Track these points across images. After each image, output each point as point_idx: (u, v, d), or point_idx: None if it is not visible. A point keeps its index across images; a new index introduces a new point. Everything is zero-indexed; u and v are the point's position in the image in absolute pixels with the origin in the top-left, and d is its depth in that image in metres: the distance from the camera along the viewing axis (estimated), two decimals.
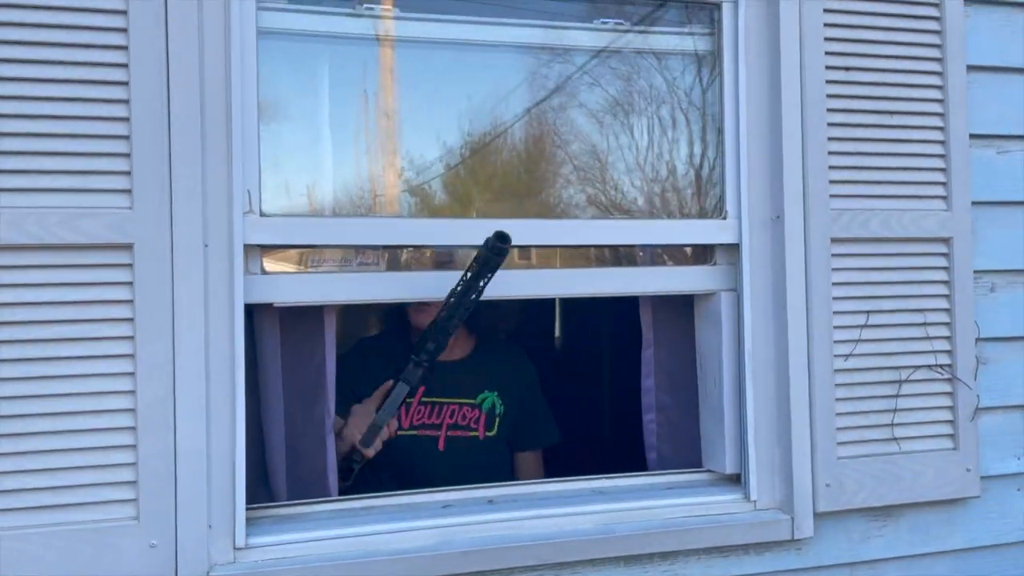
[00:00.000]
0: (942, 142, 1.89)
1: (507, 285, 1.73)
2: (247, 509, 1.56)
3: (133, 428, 1.43)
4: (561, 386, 2.81)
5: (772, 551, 1.79)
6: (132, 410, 1.43)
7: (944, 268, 1.89)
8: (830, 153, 1.81)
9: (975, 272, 1.93)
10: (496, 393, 2.06)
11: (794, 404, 1.77)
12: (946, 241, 1.88)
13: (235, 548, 1.50)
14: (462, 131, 1.88)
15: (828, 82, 1.80)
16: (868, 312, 1.84)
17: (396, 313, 2.11)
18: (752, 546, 1.78)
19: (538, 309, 3.40)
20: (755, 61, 1.79)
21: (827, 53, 1.78)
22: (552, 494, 1.76)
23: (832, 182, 1.81)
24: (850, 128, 1.83)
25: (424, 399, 1.98)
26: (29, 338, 1.39)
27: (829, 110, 1.81)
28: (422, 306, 1.92)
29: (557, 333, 3.84)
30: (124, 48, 1.43)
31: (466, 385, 2.05)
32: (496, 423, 2.06)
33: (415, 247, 1.73)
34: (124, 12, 1.43)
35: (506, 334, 2.42)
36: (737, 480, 1.82)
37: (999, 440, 1.96)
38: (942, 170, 1.89)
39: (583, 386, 3.44)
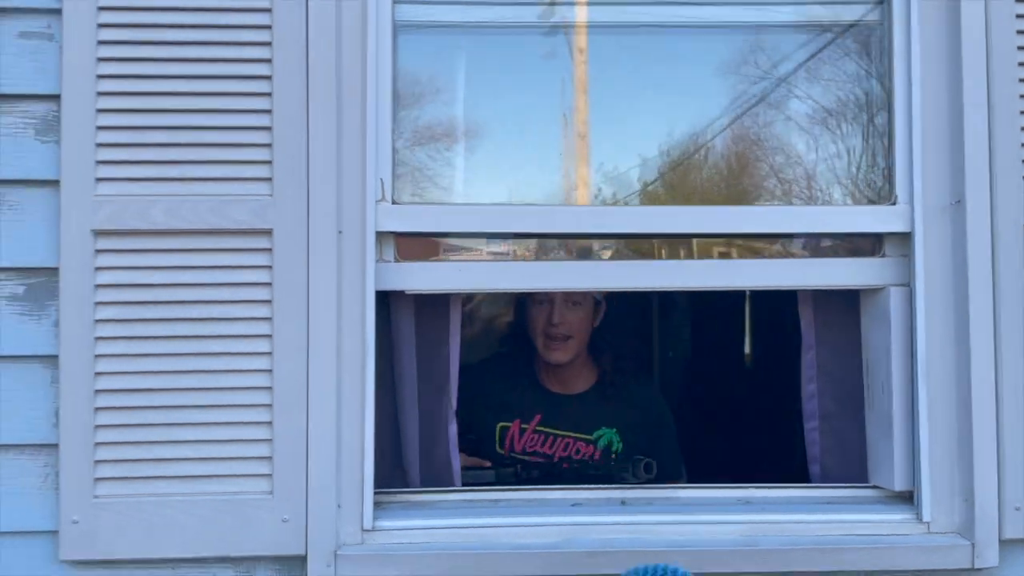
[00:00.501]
0: None
1: (658, 276, 1.64)
2: (376, 493, 1.56)
3: (269, 406, 1.47)
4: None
5: None
6: (269, 388, 1.47)
7: None
8: None
9: None
10: (615, 430, 1.94)
11: (976, 415, 1.53)
12: None
13: (363, 529, 1.50)
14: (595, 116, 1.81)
15: (1020, 48, 1.55)
16: None
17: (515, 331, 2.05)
18: (924, 573, 1.55)
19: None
20: (931, 18, 1.57)
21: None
22: (692, 500, 1.63)
23: None
24: None
25: (539, 428, 1.91)
26: (180, 317, 1.47)
27: (1022, 79, 1.55)
28: (544, 303, 1.86)
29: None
30: (268, 44, 1.49)
31: (584, 420, 1.95)
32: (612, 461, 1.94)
33: (549, 236, 1.67)
34: (269, 10, 1.48)
35: (637, 358, 2.28)
36: (908, 499, 1.60)
37: None
38: None
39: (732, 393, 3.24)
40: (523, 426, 1.83)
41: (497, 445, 1.94)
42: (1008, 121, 1.54)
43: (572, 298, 1.90)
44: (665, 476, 1.99)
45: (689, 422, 2.17)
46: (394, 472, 1.81)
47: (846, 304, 1.76)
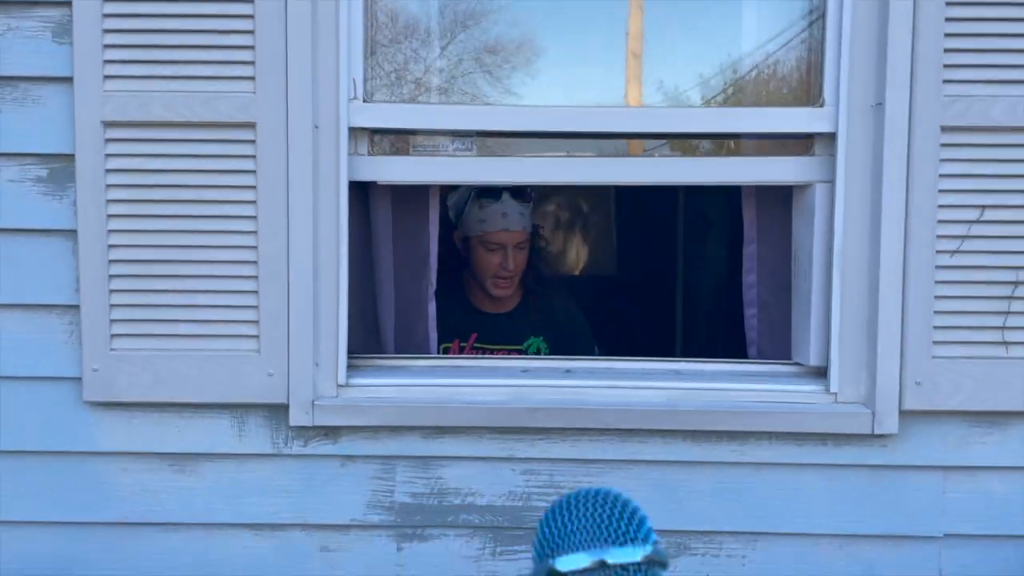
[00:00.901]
0: None
1: (607, 172, 1.79)
2: (353, 357, 1.79)
3: (255, 277, 1.69)
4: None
5: (853, 444, 1.74)
6: (255, 262, 1.69)
7: None
8: (947, 35, 1.65)
9: None
10: (541, 338, 2.16)
11: (883, 299, 1.68)
12: None
13: (337, 385, 1.73)
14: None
15: None
16: (983, 207, 1.68)
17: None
18: (831, 437, 1.74)
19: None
20: None
21: None
22: (629, 370, 1.82)
23: (947, 66, 1.66)
24: (975, 7, 1.65)
25: (476, 344, 2.13)
26: (178, 199, 1.68)
27: None
28: (497, 250, 2.06)
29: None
30: None
31: (515, 333, 2.17)
32: None
33: (513, 134, 1.82)
34: None
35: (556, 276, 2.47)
36: (822, 374, 1.77)
37: None
38: None
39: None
40: (462, 344, 2.07)
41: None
42: (932, 31, 1.64)
43: (520, 243, 2.09)
44: None
45: (644, 315, 2.36)
46: (375, 346, 2.04)
47: (783, 202, 1.90)
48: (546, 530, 0.69)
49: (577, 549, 0.66)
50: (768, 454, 1.74)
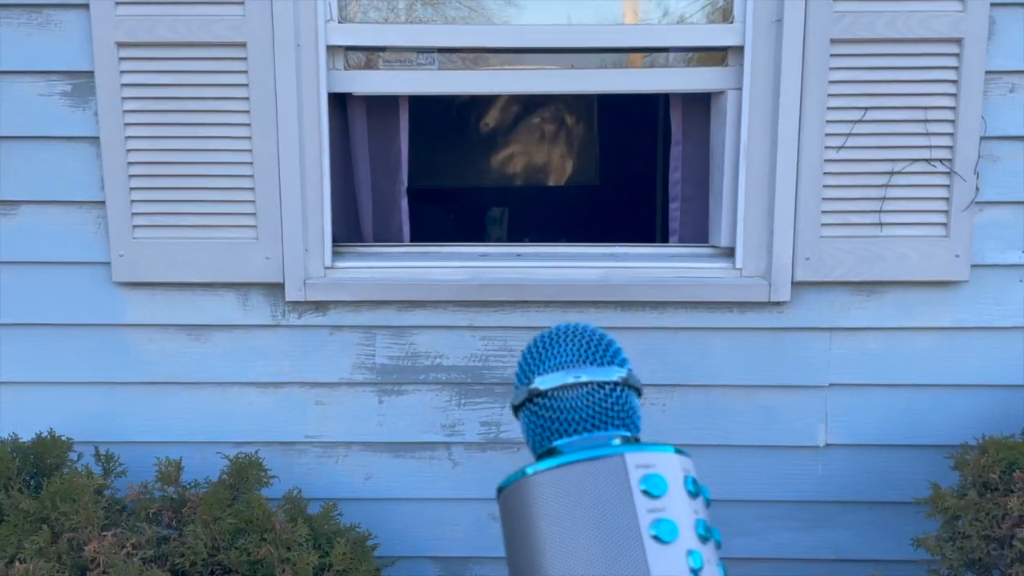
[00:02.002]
0: None
1: (539, 82, 2.04)
2: (338, 244, 2.07)
3: (251, 176, 1.96)
4: None
5: (754, 311, 2.04)
6: (250, 163, 1.95)
7: (953, 68, 1.92)
8: None
9: (993, 72, 1.94)
10: None
11: (779, 188, 1.96)
12: (957, 41, 1.91)
13: (324, 267, 2.02)
14: None
15: None
16: (865, 108, 1.94)
17: None
18: (736, 305, 2.04)
19: None
20: None
21: None
22: (571, 254, 2.11)
23: None
24: None
25: None
26: (184, 109, 1.93)
27: None
28: None
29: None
30: None
31: None
32: None
33: (480, 50, 2.06)
34: None
35: None
36: (731, 253, 2.06)
37: (1003, 233, 2.01)
38: None
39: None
40: None
41: None
42: None
43: None
44: None
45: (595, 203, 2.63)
46: (357, 236, 2.32)
47: (705, 109, 2.15)
48: (527, 357, 0.67)
49: (557, 370, 0.64)
50: (684, 319, 2.04)
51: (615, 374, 0.66)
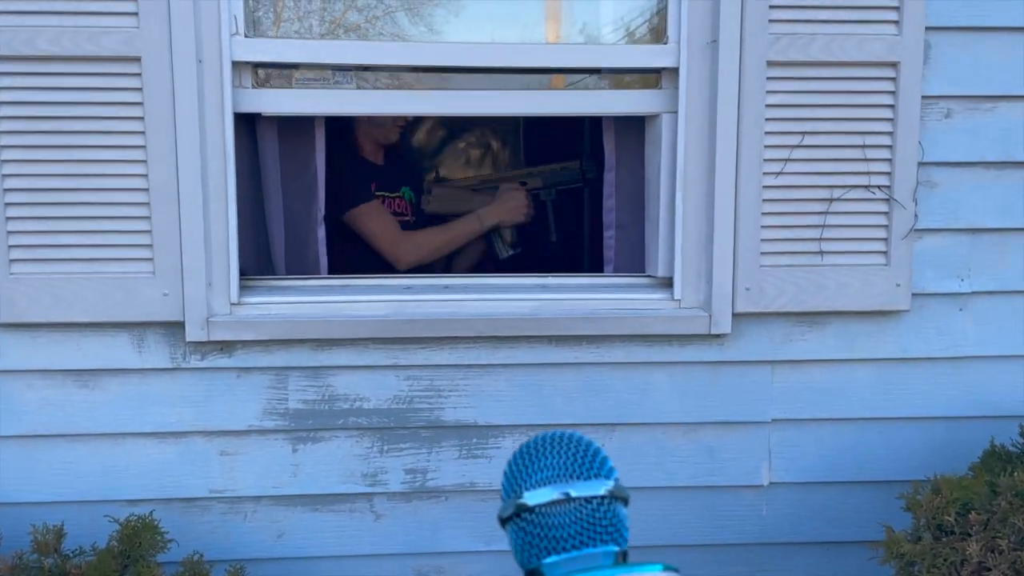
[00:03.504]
0: None
1: (461, 104, 1.91)
2: (246, 278, 1.88)
3: (147, 204, 1.76)
4: None
5: (694, 344, 1.93)
6: (146, 190, 1.76)
7: (890, 92, 1.87)
8: None
9: (929, 97, 1.89)
10: (409, 187, 2.43)
11: (718, 216, 1.86)
12: (893, 66, 1.85)
13: (231, 303, 1.83)
14: None
15: None
16: (803, 133, 1.86)
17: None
18: (675, 338, 1.92)
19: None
20: None
21: None
22: (501, 285, 1.97)
23: (772, 7, 1.82)
24: None
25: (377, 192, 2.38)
26: (69, 130, 1.73)
27: None
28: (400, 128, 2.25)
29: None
30: None
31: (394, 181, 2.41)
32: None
33: (388, 68, 1.92)
34: None
35: None
36: (669, 284, 1.95)
37: (943, 261, 1.95)
38: None
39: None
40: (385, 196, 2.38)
41: None
42: None
43: None
44: None
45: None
46: (268, 269, 2.14)
47: (639, 132, 2.06)
48: (514, 469, 0.69)
49: (544, 485, 0.67)
50: (622, 354, 1.92)
51: (603, 487, 0.67)
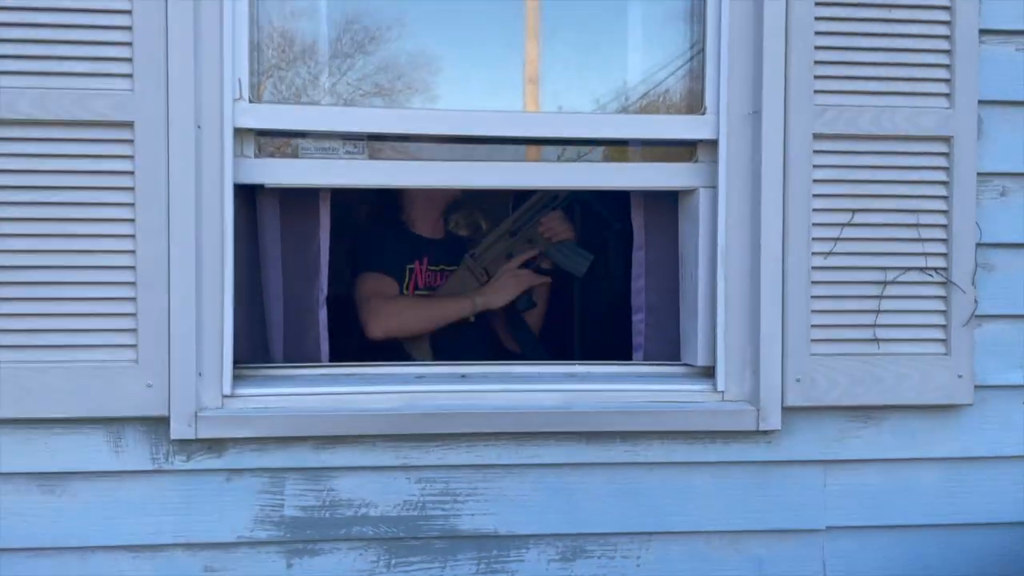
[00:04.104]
0: (947, 36, 1.73)
1: (494, 175, 1.76)
2: (240, 366, 1.68)
3: (133, 284, 1.57)
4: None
5: (739, 441, 1.74)
6: (133, 268, 1.57)
7: (943, 168, 1.74)
8: (817, 47, 1.70)
9: (983, 174, 1.77)
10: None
11: (764, 299, 1.70)
12: (946, 140, 1.73)
13: (223, 395, 1.62)
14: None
15: None
16: (853, 211, 1.72)
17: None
18: (719, 435, 1.73)
19: None
20: None
21: None
22: (524, 374, 1.78)
23: (818, 77, 1.70)
24: (842, 22, 1.71)
25: (431, 267, 2.20)
26: (49, 201, 1.55)
27: (817, 3, 1.69)
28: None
29: None
30: None
31: (453, 254, 2.22)
32: None
33: (398, 137, 1.77)
34: None
35: None
36: (710, 373, 1.77)
37: (1004, 350, 1.80)
38: (946, 66, 1.73)
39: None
40: (420, 267, 2.17)
41: (403, 288, 2.17)
42: (804, 41, 1.68)
43: None
44: None
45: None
46: (264, 355, 1.93)
47: (671, 208, 1.91)
48: None
49: None
50: (660, 454, 1.72)
51: None
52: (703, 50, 1.74)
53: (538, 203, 2.16)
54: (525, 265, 2.17)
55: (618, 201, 2.11)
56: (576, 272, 2.20)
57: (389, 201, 2.23)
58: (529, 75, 2.13)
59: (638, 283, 1.96)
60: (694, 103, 1.81)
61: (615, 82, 2.13)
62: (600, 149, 2.00)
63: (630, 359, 2.00)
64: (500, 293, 2.11)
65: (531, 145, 1.92)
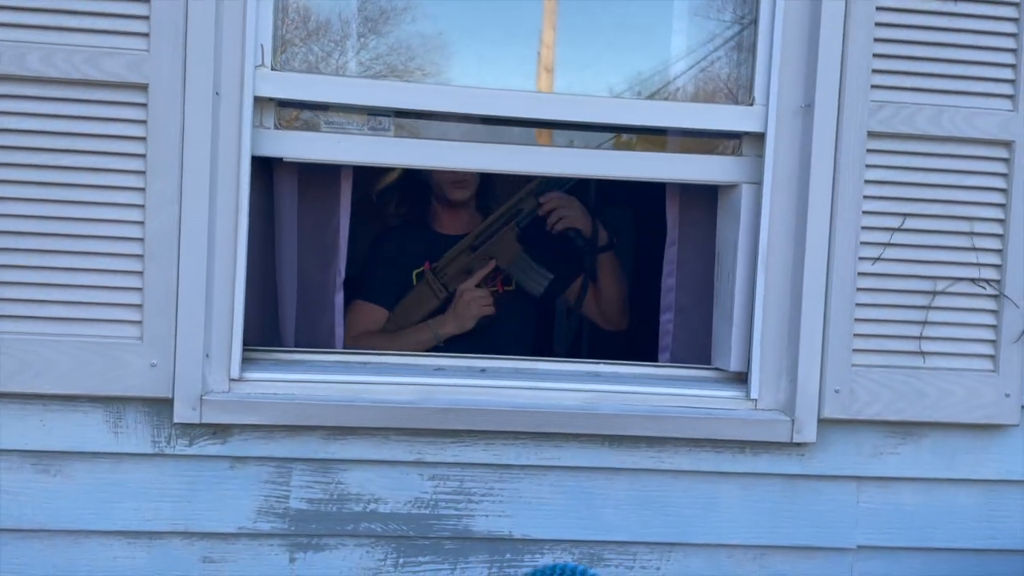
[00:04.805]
0: (1014, 35, 1.62)
1: (520, 159, 1.66)
2: (249, 349, 1.59)
3: (140, 256, 1.48)
4: None
5: (771, 452, 1.65)
6: (140, 240, 1.48)
7: (1003, 175, 1.64)
8: (876, 40, 1.59)
9: None
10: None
11: (806, 304, 1.60)
12: (1007, 145, 1.63)
13: (230, 378, 1.54)
14: None
15: None
16: (904, 215, 1.63)
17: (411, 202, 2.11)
18: (749, 444, 1.64)
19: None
20: None
21: None
22: (547, 371, 1.69)
23: (876, 71, 1.60)
24: (904, 13, 1.60)
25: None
26: (53, 164, 1.46)
27: None
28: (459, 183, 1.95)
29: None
30: None
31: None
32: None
33: (430, 114, 1.67)
34: None
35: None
36: (742, 379, 1.68)
37: None
38: (1011, 66, 1.62)
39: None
40: (432, 265, 2.01)
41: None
42: (862, 34, 1.57)
43: None
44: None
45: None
46: (275, 338, 1.85)
47: (708, 203, 1.81)
48: None
49: None
50: (686, 461, 1.63)
51: None
52: (755, 39, 1.63)
53: (501, 218, 2.00)
54: (493, 274, 2.03)
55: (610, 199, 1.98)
56: (533, 292, 2.04)
57: (417, 195, 2.09)
58: (545, 62, 2.04)
59: (668, 281, 1.86)
60: (740, 93, 1.71)
61: (643, 71, 2.03)
62: (612, 138, 1.90)
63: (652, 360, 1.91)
64: (458, 320, 1.95)
65: (558, 129, 1.82)
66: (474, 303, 1.94)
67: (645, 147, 1.88)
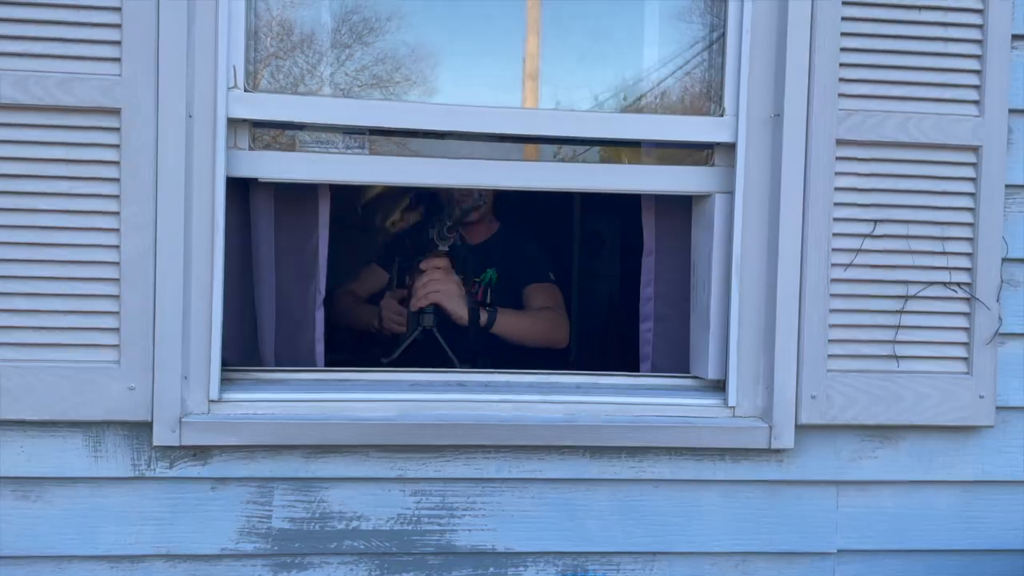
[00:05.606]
0: (979, 41, 1.64)
1: (505, 176, 1.67)
2: (228, 369, 1.60)
3: (116, 280, 1.49)
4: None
5: (750, 459, 1.66)
6: (116, 264, 1.49)
7: (970, 179, 1.67)
8: (843, 49, 1.62)
9: (1012, 187, 1.69)
10: (494, 268, 2.09)
11: (780, 312, 1.62)
12: (974, 150, 1.65)
13: (209, 400, 1.54)
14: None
15: None
16: (875, 221, 1.65)
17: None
18: (728, 452, 1.66)
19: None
20: None
21: None
22: (526, 384, 1.70)
23: (843, 80, 1.62)
24: (869, 23, 1.62)
25: None
26: (24, 190, 1.46)
27: (844, 2, 1.61)
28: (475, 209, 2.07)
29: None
30: None
31: (478, 266, 2.10)
32: (489, 292, 2.06)
33: (403, 132, 1.68)
34: None
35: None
36: (720, 387, 1.70)
37: None
38: (976, 72, 1.65)
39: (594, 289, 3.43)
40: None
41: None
42: (829, 44, 1.60)
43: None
44: (533, 273, 2.17)
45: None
46: (254, 358, 1.85)
47: (683, 213, 1.83)
48: None
49: None
50: (667, 470, 1.64)
51: None
52: (723, 49, 1.65)
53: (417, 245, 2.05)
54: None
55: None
56: (423, 324, 1.97)
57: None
58: (529, 71, 2.05)
59: (647, 291, 1.88)
60: (710, 105, 1.73)
61: (623, 80, 2.05)
62: (595, 149, 1.91)
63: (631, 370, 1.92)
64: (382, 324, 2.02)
65: (534, 144, 1.83)
66: (388, 311, 1.99)
67: (617, 158, 1.89)
